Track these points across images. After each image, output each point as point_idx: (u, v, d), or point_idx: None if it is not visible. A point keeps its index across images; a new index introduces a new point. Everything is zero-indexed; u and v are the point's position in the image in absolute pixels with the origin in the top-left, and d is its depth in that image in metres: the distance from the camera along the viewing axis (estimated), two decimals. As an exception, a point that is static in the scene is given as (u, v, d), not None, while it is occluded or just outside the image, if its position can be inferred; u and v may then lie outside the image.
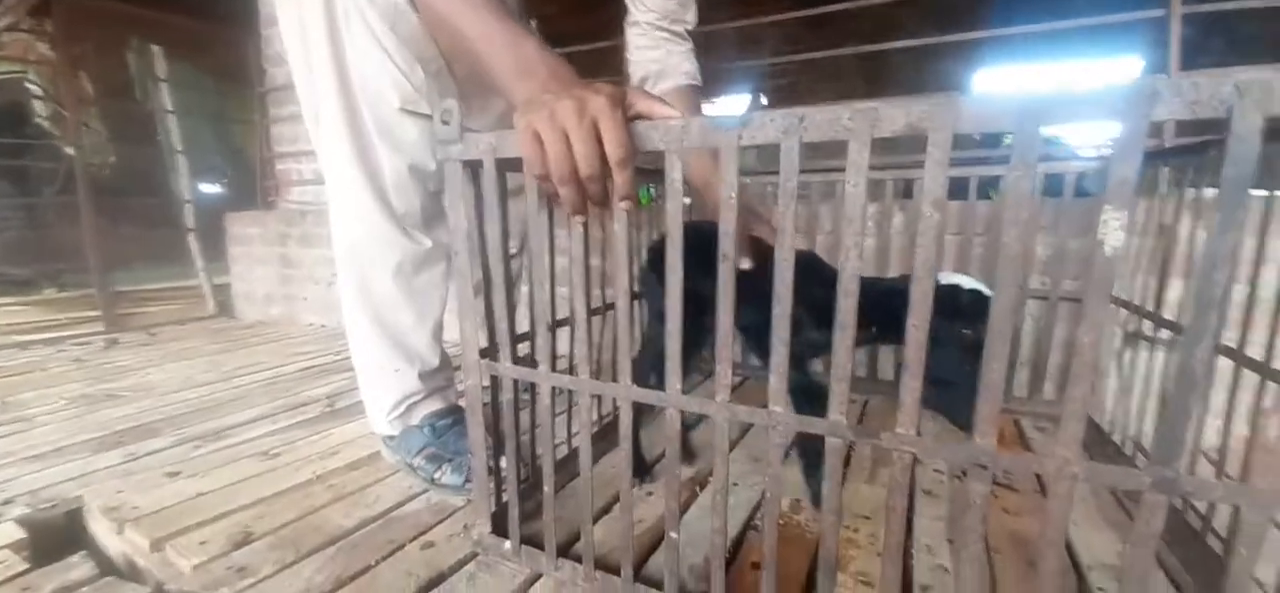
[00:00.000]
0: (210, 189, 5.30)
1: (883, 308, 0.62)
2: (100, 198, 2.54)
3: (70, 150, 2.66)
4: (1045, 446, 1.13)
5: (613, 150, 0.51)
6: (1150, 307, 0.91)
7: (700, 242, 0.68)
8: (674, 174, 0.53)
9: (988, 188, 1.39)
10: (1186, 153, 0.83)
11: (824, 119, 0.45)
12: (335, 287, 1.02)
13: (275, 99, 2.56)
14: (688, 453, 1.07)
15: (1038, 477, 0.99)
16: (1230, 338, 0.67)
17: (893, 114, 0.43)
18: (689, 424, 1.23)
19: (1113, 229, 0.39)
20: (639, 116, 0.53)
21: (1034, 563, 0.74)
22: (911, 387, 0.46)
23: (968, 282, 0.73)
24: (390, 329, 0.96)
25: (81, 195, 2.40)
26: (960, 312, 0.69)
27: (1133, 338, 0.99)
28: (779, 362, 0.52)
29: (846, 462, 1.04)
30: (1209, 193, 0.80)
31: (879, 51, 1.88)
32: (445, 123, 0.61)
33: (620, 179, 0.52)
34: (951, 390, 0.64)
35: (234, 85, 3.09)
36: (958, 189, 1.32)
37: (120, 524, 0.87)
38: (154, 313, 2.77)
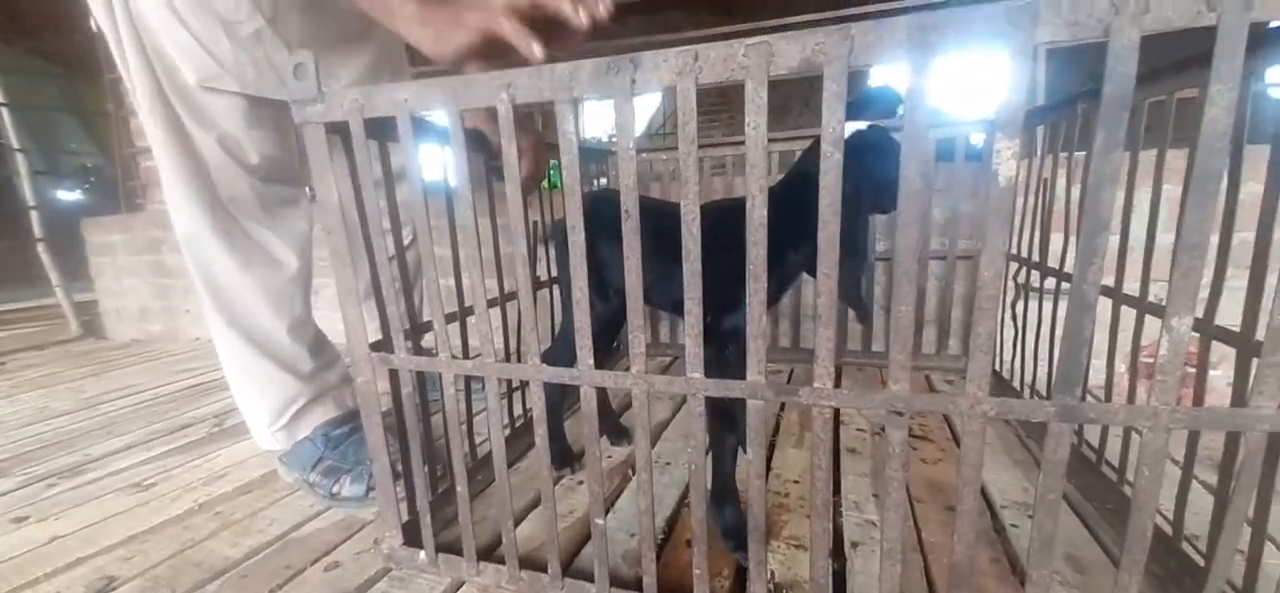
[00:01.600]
0: (70, 196, 4.61)
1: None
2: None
3: None
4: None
5: None
6: (1036, 260, 0.97)
7: (609, 212, 0.63)
8: (567, 126, 0.48)
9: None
10: (1060, 109, 0.88)
11: (718, 56, 0.42)
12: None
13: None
14: (620, 433, 1.03)
15: (950, 426, 1.04)
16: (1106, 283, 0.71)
17: (787, 49, 0.40)
18: (620, 409, 1.20)
19: (1006, 158, 0.38)
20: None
21: (953, 507, 0.77)
22: (825, 339, 0.45)
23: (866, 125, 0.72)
24: (247, 330, 0.86)
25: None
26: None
27: (1023, 290, 1.06)
28: (693, 323, 0.48)
29: (775, 429, 1.05)
30: (1081, 154, 0.85)
31: None
32: (300, 79, 0.53)
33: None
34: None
35: (83, 73, 2.68)
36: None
37: (-51, 584, 0.72)
38: (2, 339, 2.38)
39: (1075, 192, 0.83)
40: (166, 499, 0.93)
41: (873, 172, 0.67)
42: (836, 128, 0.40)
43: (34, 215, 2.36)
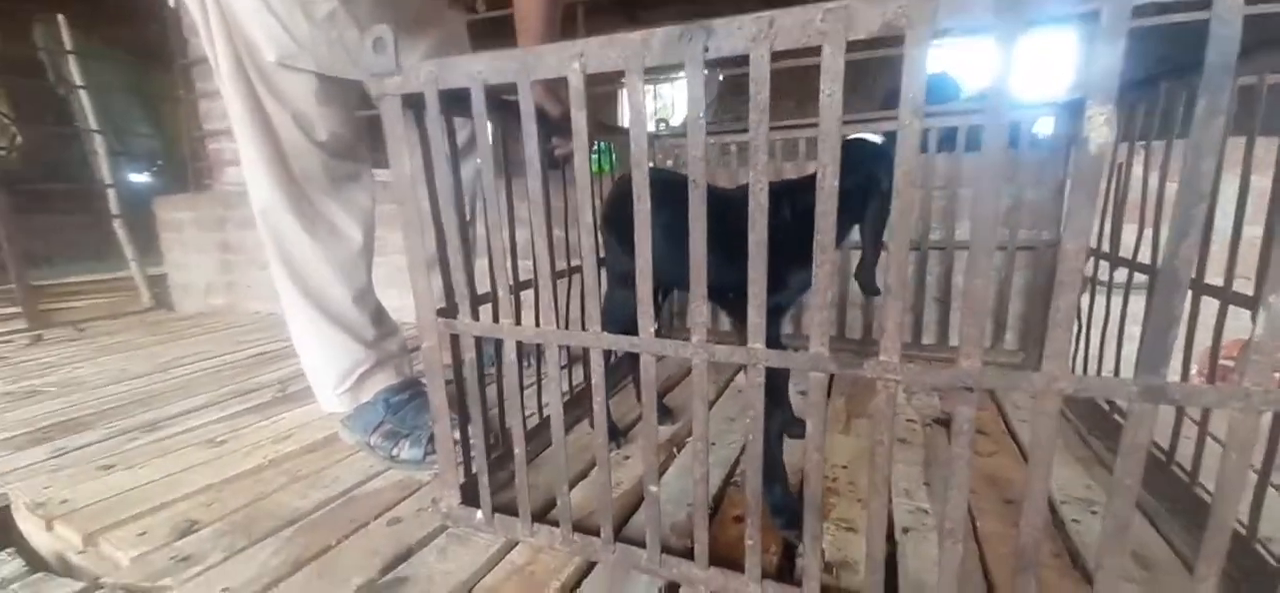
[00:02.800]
0: (141, 177, 4.90)
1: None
2: (10, 185, 2.30)
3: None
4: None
5: None
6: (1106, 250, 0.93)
7: (662, 191, 0.63)
8: (637, 98, 0.49)
9: (944, 142, 1.39)
10: (1139, 90, 0.84)
11: (794, 22, 0.42)
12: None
13: (201, 72, 2.37)
14: (664, 412, 1.05)
15: (1006, 420, 1.01)
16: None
17: (868, 13, 0.40)
18: (662, 390, 1.21)
19: (1098, 125, 0.37)
20: None
21: (1010, 500, 0.76)
22: (894, 311, 0.45)
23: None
24: (317, 298, 0.90)
25: (-12, 183, 2.17)
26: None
27: (1089, 283, 1.01)
28: (756, 293, 0.49)
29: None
30: (1157, 144, 0.81)
31: None
32: (379, 53, 0.55)
33: None
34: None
35: (156, 61, 2.84)
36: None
37: (49, 520, 0.80)
38: (81, 307, 2.56)
39: (1153, 180, 0.79)
40: (239, 454, 0.99)
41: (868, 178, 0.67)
42: (917, 96, 0.40)
43: (111, 193, 2.52)
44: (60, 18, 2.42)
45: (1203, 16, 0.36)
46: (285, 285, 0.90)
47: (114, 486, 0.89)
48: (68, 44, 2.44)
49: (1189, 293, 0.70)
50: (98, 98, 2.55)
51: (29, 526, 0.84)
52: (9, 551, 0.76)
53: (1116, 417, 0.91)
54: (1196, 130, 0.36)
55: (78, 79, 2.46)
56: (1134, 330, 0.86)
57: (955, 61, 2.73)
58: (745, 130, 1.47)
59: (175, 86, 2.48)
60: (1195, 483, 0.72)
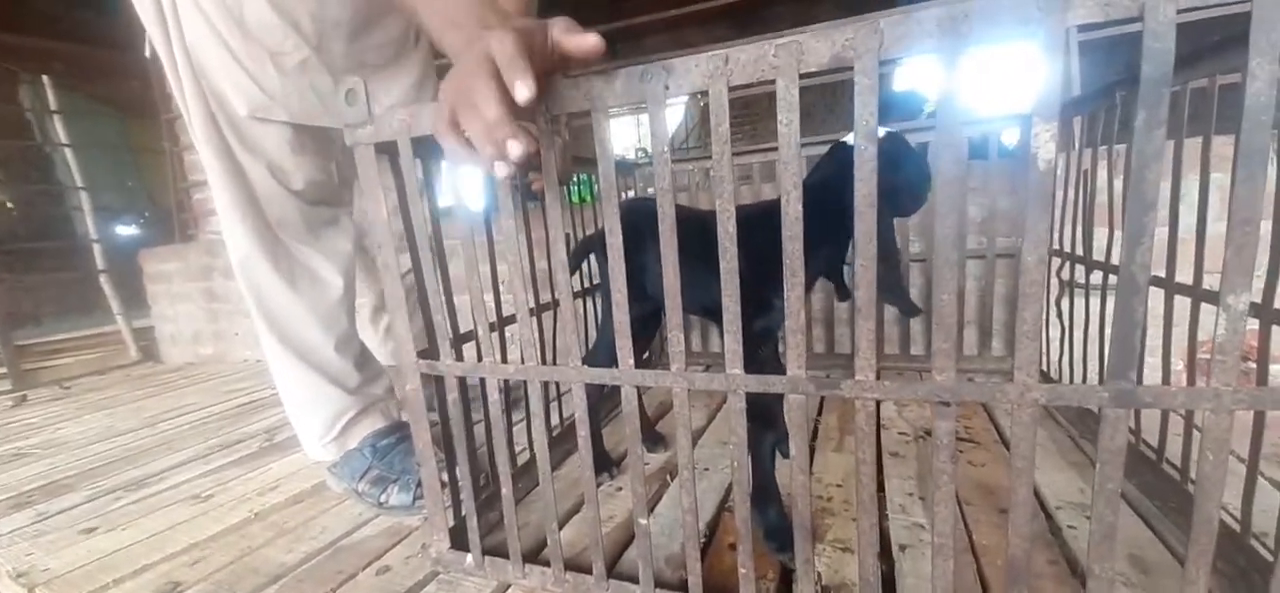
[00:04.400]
0: (126, 231, 4.89)
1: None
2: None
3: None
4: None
5: (515, 93, 0.43)
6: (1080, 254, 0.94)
7: (641, 220, 0.64)
8: (603, 134, 0.50)
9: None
10: (1097, 99, 0.86)
11: (749, 57, 0.43)
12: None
13: (183, 125, 2.37)
14: (656, 439, 1.04)
15: (998, 429, 1.01)
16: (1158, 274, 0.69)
17: (817, 46, 0.41)
18: (656, 416, 1.20)
19: (1044, 142, 0.38)
20: (562, 54, 0.47)
21: (1004, 509, 0.75)
22: (867, 330, 0.45)
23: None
24: (299, 347, 0.90)
25: (-29, 245, 2.16)
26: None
27: (1068, 286, 1.03)
28: (731, 319, 0.49)
29: (814, 434, 1.04)
30: (1121, 147, 0.83)
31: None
32: (351, 104, 0.56)
33: (513, 136, 0.44)
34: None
35: (139, 115, 2.86)
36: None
37: (30, 588, 0.78)
38: (68, 365, 2.52)
39: (1118, 184, 0.81)
40: (224, 509, 0.97)
41: (889, 176, 0.67)
42: (870, 122, 0.41)
43: (96, 248, 2.51)
44: (45, 79, 2.44)
45: (1136, 29, 0.38)
46: (266, 336, 0.90)
47: (96, 549, 0.87)
48: (53, 104, 2.45)
49: (1161, 293, 0.71)
50: (83, 154, 2.55)
51: (10, 596, 0.82)
52: (-12, 623, 0.74)
53: (1104, 418, 0.92)
54: (1138, 141, 0.37)
55: (63, 137, 2.47)
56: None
57: (923, 77, 2.80)
58: (752, 151, 1.49)
59: (159, 139, 2.49)
60: (1187, 481, 0.72)
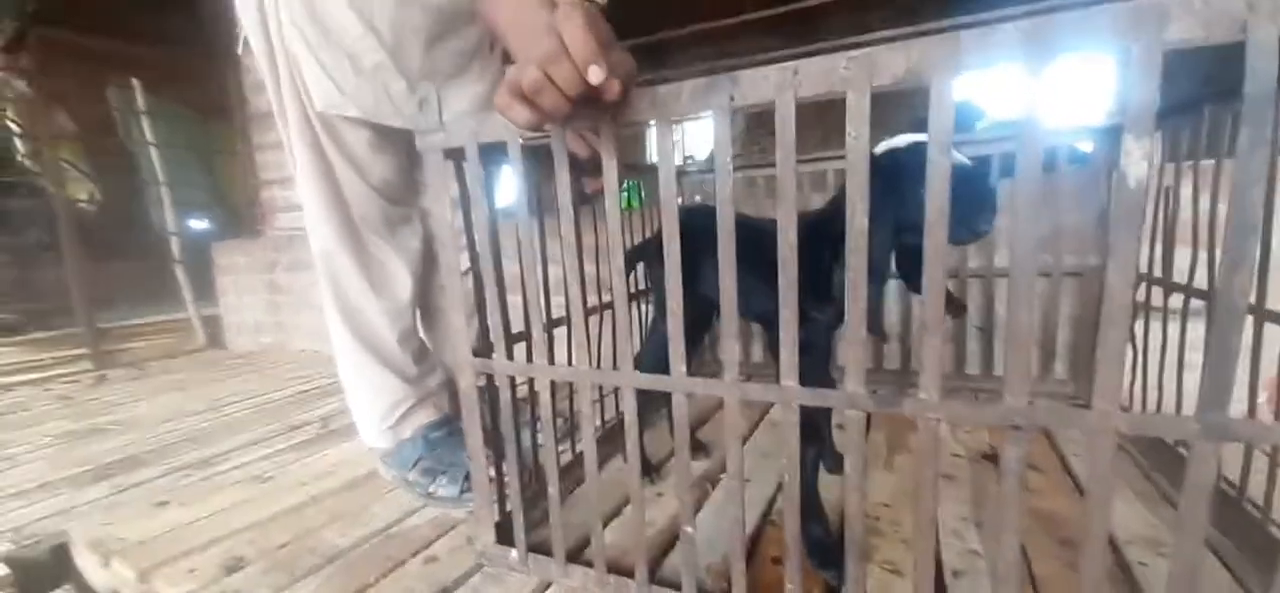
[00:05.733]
0: (198, 225, 5.24)
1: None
2: (85, 235, 2.49)
3: (52, 189, 2.60)
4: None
5: (575, 51, 0.42)
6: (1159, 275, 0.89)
7: (696, 226, 0.64)
8: (666, 145, 0.50)
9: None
10: (1182, 114, 0.81)
11: (818, 70, 0.43)
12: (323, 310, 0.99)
13: (258, 126, 2.53)
14: (697, 447, 1.03)
15: (1061, 457, 0.96)
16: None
17: (891, 59, 0.41)
18: (695, 423, 1.20)
19: (1135, 160, 0.37)
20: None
21: (1066, 540, 0.72)
22: (933, 346, 0.44)
23: (902, 140, 0.64)
24: (367, 337, 0.94)
25: (64, 233, 2.35)
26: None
27: (1144, 309, 0.97)
28: (788, 331, 0.49)
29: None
30: (1207, 163, 0.78)
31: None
32: (424, 111, 0.59)
33: (593, 60, 0.42)
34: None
35: (217, 116, 3.06)
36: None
37: (106, 557, 0.83)
38: (142, 348, 2.71)
39: (1203, 201, 0.76)
40: (284, 491, 1.02)
41: (906, 193, 0.61)
42: (944, 135, 0.40)
43: (174, 240, 2.69)
44: (134, 81, 2.64)
45: (1238, 44, 0.36)
46: (338, 325, 0.94)
47: (168, 522, 0.93)
48: (142, 105, 2.65)
49: (1249, 320, 0.67)
50: (164, 153, 2.75)
51: (87, 563, 0.87)
52: (66, 587, 0.79)
53: (1181, 450, 0.86)
54: (1240, 161, 0.35)
55: (149, 136, 2.67)
56: (1192, 358, 0.82)
57: (975, 87, 2.70)
58: (771, 164, 1.48)
59: (235, 140, 2.66)
60: (1268, 520, 0.66)
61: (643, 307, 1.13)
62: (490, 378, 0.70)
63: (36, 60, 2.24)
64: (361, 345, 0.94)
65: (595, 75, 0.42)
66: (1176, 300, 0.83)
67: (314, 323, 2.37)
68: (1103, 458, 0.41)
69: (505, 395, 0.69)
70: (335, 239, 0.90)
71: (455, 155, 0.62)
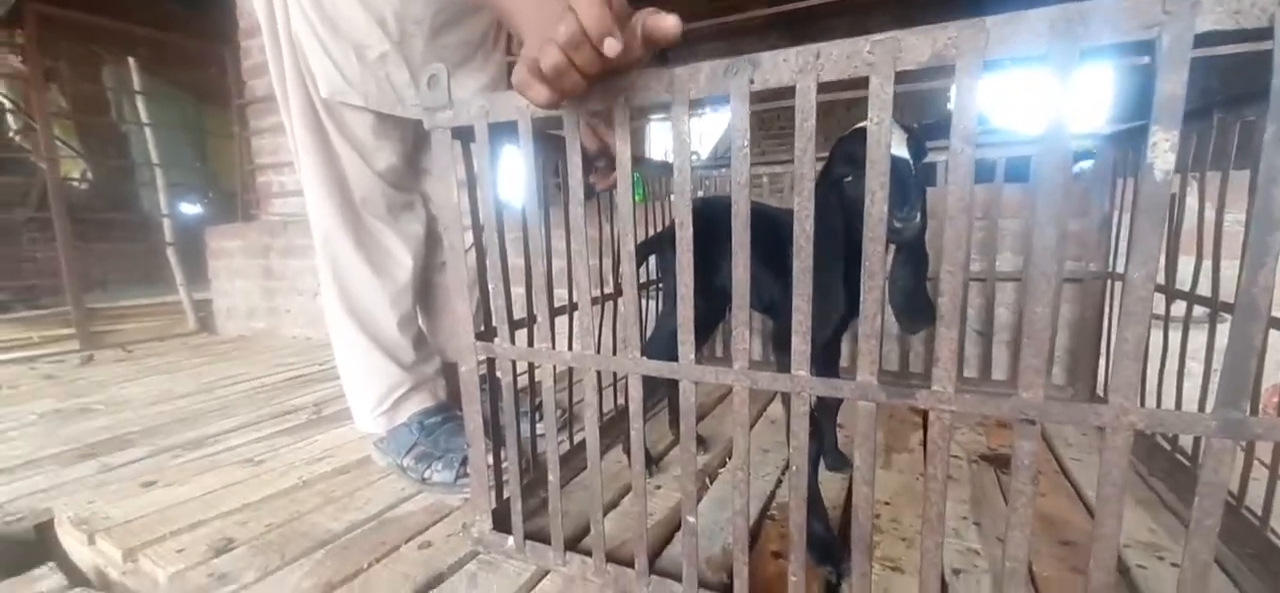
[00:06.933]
0: (191, 209, 5.17)
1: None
2: (76, 215, 2.45)
3: (42, 165, 2.56)
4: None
5: (591, 27, 0.41)
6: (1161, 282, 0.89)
7: (707, 216, 0.63)
8: (681, 127, 0.49)
9: (980, 174, 1.38)
10: (1191, 121, 0.82)
11: (841, 53, 0.42)
12: (320, 295, 0.98)
13: (255, 111, 2.50)
14: (696, 441, 1.03)
15: (1058, 458, 0.96)
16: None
17: (916, 44, 0.40)
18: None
19: (1162, 152, 0.36)
20: (646, 35, 0.45)
21: (1067, 541, 0.72)
22: (949, 339, 0.43)
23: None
24: (365, 321, 0.93)
25: (55, 212, 2.31)
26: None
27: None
28: (801, 319, 0.48)
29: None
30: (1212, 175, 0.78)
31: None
32: (433, 89, 0.58)
33: (609, 32, 0.42)
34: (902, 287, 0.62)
35: (212, 100, 3.02)
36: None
37: (91, 535, 0.81)
38: (131, 330, 2.67)
39: (1209, 211, 0.76)
40: (275, 474, 1.00)
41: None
42: (968, 126, 0.40)
43: (166, 223, 2.66)
44: (131, 61, 2.60)
45: (1266, 46, 0.35)
46: (336, 308, 0.94)
47: (155, 502, 0.91)
48: (137, 85, 2.61)
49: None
50: (159, 134, 2.71)
51: (71, 540, 0.86)
52: (49, 565, 0.77)
53: (1178, 456, 0.86)
54: (1267, 156, 0.34)
55: (144, 117, 2.63)
56: (1193, 366, 0.82)
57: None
58: (772, 163, 1.48)
59: (229, 124, 2.62)
60: (1266, 527, 0.67)
61: (648, 300, 1.13)
62: (492, 363, 0.69)
63: (32, 35, 2.20)
64: (359, 329, 0.93)
65: (611, 47, 0.42)
66: (1178, 308, 0.83)
67: (305, 309, 2.34)
68: (1118, 453, 0.40)
69: (507, 380, 0.68)
70: (336, 222, 0.89)
71: (464, 135, 0.61)
